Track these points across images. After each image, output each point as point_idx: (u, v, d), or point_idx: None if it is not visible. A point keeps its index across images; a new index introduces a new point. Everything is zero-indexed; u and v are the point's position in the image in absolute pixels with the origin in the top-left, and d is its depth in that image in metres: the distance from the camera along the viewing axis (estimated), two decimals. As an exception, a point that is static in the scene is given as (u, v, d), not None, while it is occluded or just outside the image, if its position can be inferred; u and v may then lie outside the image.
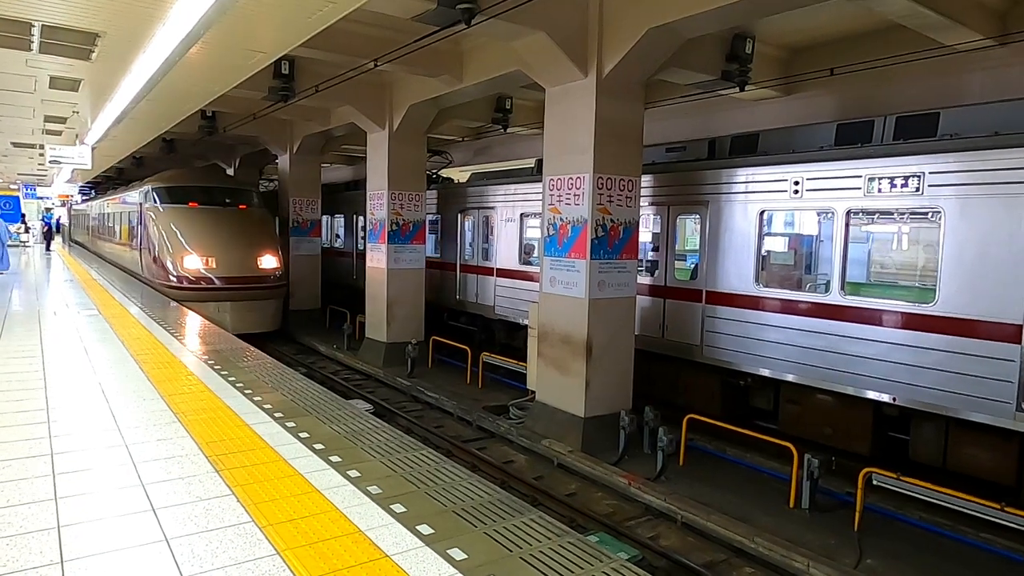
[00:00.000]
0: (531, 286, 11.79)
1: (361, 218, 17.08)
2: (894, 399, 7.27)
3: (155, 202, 16.00)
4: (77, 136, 14.55)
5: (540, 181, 9.36)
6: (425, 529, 3.56)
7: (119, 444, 4.72)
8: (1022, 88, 7.76)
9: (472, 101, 12.46)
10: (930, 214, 7.08)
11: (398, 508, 3.82)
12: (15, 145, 17.74)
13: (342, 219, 20.31)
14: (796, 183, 8.16)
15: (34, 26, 6.81)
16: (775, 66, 9.98)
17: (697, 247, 9.62)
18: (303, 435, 5.07)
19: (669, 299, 9.79)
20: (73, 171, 23.13)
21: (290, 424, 5.34)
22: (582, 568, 3.26)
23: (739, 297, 8.82)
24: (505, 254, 13.10)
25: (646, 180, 9.69)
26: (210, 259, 14.60)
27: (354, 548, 3.34)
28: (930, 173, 6.93)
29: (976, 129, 6.97)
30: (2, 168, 26.64)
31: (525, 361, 10.27)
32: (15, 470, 4.17)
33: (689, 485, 7.52)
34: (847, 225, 7.75)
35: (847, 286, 7.81)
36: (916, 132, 7.50)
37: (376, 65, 9.62)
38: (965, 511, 6.06)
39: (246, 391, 6.34)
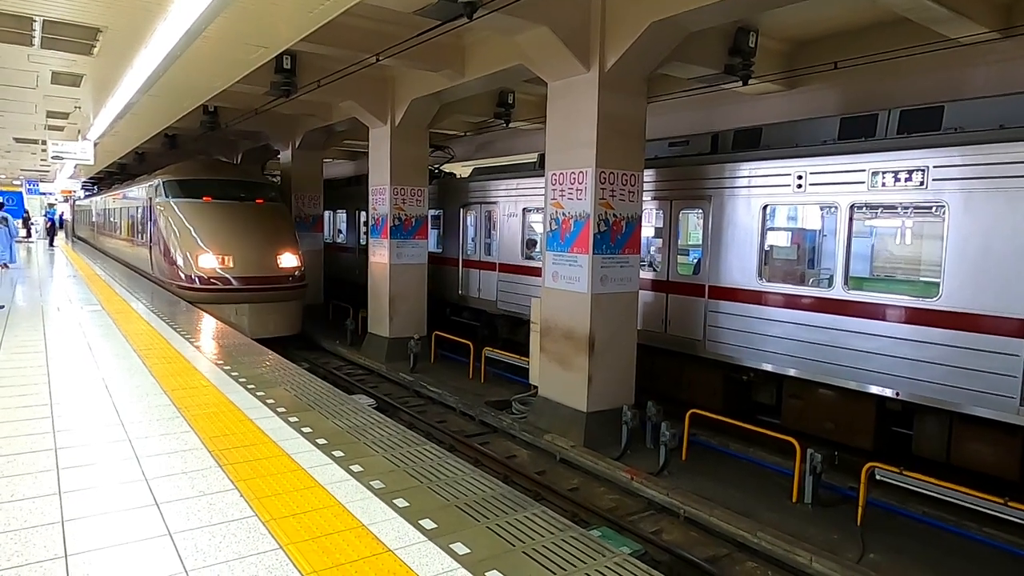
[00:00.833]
0: (534, 281, 11.77)
1: (363, 213, 17.06)
2: (897, 394, 7.25)
3: (166, 196, 14.83)
4: (79, 131, 14.57)
5: (542, 176, 9.34)
6: (428, 524, 3.57)
7: (122, 439, 4.73)
8: (1027, 81, 7.72)
9: (474, 96, 12.43)
10: (934, 208, 7.05)
11: (401, 503, 3.82)
12: (17, 141, 17.76)
13: (344, 214, 20.30)
14: (799, 177, 8.13)
15: (36, 21, 6.81)
16: (778, 60, 9.94)
17: (700, 242, 9.60)
18: (306, 430, 5.08)
19: (672, 294, 9.78)
20: (75, 167, 23.18)
21: (293, 419, 5.34)
22: (585, 563, 3.26)
23: (742, 292, 8.80)
24: (507, 249, 13.09)
25: (648, 175, 9.67)
26: (226, 257, 13.51)
27: (357, 542, 3.34)
28: (934, 167, 6.90)
29: (981, 123, 6.94)
30: (5, 164, 26.68)
31: (527, 356, 10.26)
32: (19, 465, 4.18)
33: (692, 480, 7.52)
34: (850, 219, 7.72)
35: (850, 281, 7.79)
36: (920, 126, 7.46)
37: (378, 60, 9.60)
38: (968, 506, 6.05)
39: (249, 386, 6.35)
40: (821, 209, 8.50)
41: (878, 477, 6.52)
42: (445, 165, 17.46)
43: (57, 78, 9.46)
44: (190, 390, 6.10)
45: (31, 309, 10.62)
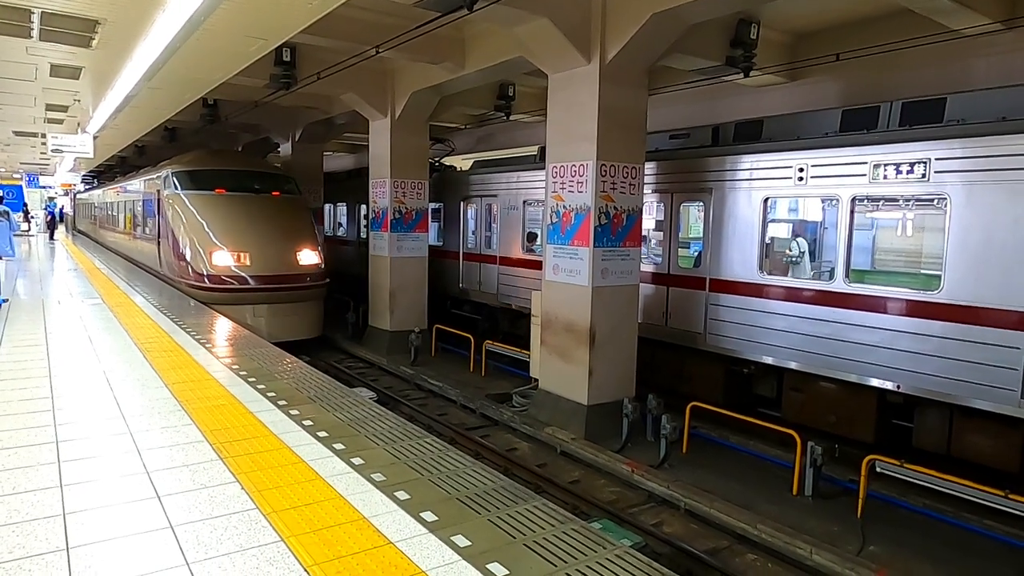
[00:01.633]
0: (534, 274, 11.76)
1: (363, 206, 17.03)
2: (898, 387, 7.25)
3: (176, 188, 13.81)
4: (79, 124, 14.53)
5: (543, 169, 9.32)
6: (429, 516, 3.57)
7: (124, 432, 4.73)
8: (1030, 73, 7.69)
9: (474, 88, 12.39)
10: (936, 201, 7.03)
11: (402, 495, 3.83)
12: (17, 134, 17.73)
13: (344, 207, 20.28)
14: (801, 170, 8.11)
15: (34, 13, 6.78)
16: (780, 51, 9.89)
17: (700, 235, 9.58)
18: (307, 423, 5.09)
19: (672, 287, 9.77)
20: (75, 160, 23.12)
21: (294, 412, 5.35)
22: (585, 555, 3.26)
23: (743, 285, 8.79)
24: (508, 242, 13.08)
25: (649, 167, 9.64)
26: (242, 254, 12.53)
27: (358, 535, 3.35)
28: (936, 159, 6.88)
29: (983, 115, 6.90)
30: (4, 157, 26.65)
31: (528, 349, 10.27)
32: (20, 457, 4.19)
33: (692, 472, 7.53)
34: (852, 212, 7.70)
35: (851, 273, 7.77)
36: (922, 118, 7.43)
37: (378, 52, 9.56)
38: (969, 498, 6.06)
39: (250, 379, 6.36)
40: (822, 202, 8.48)
41: (879, 469, 6.53)
42: (445, 158, 17.42)
43: (56, 71, 9.43)
44: (191, 383, 6.10)
45: (32, 303, 10.62)
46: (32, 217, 35.45)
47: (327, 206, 19.98)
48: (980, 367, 6.56)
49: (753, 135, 9.26)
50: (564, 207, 8.71)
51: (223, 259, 12.50)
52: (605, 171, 8.35)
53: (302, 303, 13.02)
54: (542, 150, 11.13)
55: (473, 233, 14.33)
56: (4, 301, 10.16)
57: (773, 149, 8.49)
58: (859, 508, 6.47)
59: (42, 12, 6.74)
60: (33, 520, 3.37)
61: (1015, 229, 6.34)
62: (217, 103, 14.86)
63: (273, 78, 10.96)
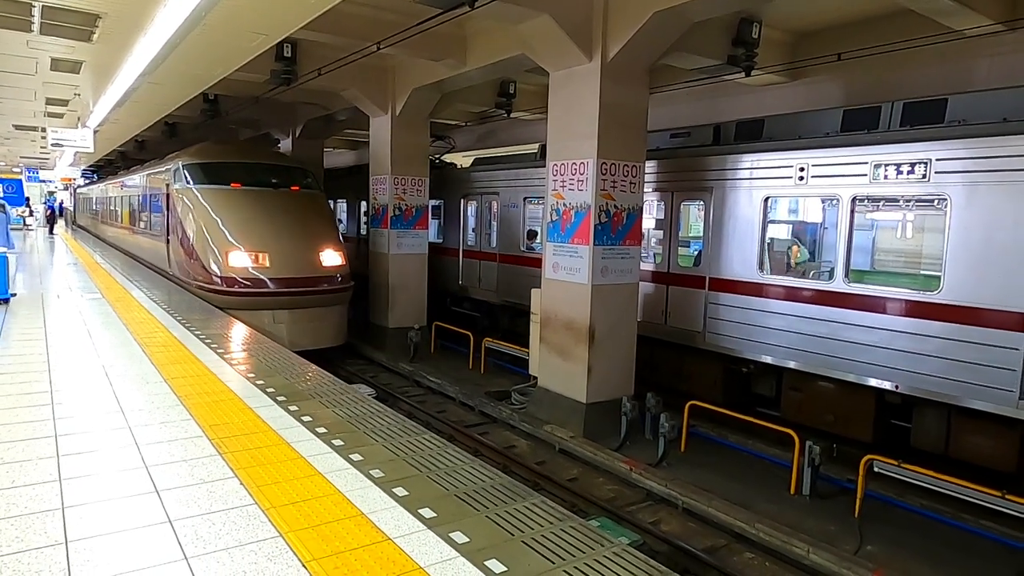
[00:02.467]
0: (534, 272, 11.76)
1: (364, 203, 17.01)
2: (897, 387, 7.26)
3: (187, 182, 12.71)
4: (79, 119, 14.53)
5: (543, 166, 9.31)
6: (427, 512, 3.58)
7: (123, 427, 4.73)
8: (1031, 74, 7.68)
9: (475, 85, 12.37)
10: (936, 201, 7.03)
11: (400, 492, 3.83)
12: (17, 128, 17.73)
13: (344, 204, 20.26)
14: (801, 169, 8.10)
15: (35, 7, 6.78)
16: (782, 51, 9.89)
17: (700, 234, 9.58)
18: (306, 419, 5.09)
19: (672, 285, 9.77)
20: (75, 154, 23.11)
21: (293, 408, 5.35)
22: (583, 552, 3.27)
23: (742, 284, 8.79)
24: (508, 240, 13.08)
25: (650, 166, 9.64)
26: (261, 255, 11.46)
27: (356, 531, 3.35)
28: (937, 160, 6.87)
29: (984, 115, 6.90)
30: (5, 151, 26.63)
31: (527, 347, 10.27)
32: (20, 451, 4.19)
33: (690, 471, 7.54)
34: (852, 212, 7.70)
35: (851, 273, 7.77)
36: (923, 118, 7.42)
37: (379, 48, 9.54)
38: (966, 498, 6.06)
39: (249, 375, 6.36)
40: (823, 201, 8.48)
41: (876, 469, 6.53)
42: (446, 155, 17.42)
43: (56, 64, 9.43)
44: (190, 378, 6.10)
45: (31, 297, 10.61)
46: (34, 212, 35.46)
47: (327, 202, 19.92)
48: (979, 368, 6.57)
49: (754, 134, 9.25)
50: (564, 205, 8.71)
51: (240, 260, 11.45)
52: (605, 169, 8.35)
53: (326, 308, 11.94)
54: (543, 148, 11.13)
55: (473, 230, 14.32)
56: (13, 295, 10.15)
57: (774, 148, 8.49)
58: (857, 508, 6.48)
59: (43, 6, 6.74)
60: (32, 514, 3.37)
61: (1015, 230, 6.34)
62: (218, 98, 14.83)
63: (274, 74, 10.94)
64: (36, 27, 7.41)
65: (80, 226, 37.29)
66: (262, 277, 11.39)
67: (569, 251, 8.68)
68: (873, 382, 7.46)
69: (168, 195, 13.64)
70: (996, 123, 6.64)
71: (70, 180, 39.24)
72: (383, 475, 4.07)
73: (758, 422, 7.75)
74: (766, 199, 8.55)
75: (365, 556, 3.11)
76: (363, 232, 16.93)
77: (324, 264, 12.00)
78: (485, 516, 3.59)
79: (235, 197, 12.37)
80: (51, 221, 32.13)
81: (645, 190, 9.07)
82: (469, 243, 14.44)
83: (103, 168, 33.31)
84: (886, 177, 7.31)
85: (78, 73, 9.97)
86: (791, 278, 8.45)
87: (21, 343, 7.27)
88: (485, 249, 13.89)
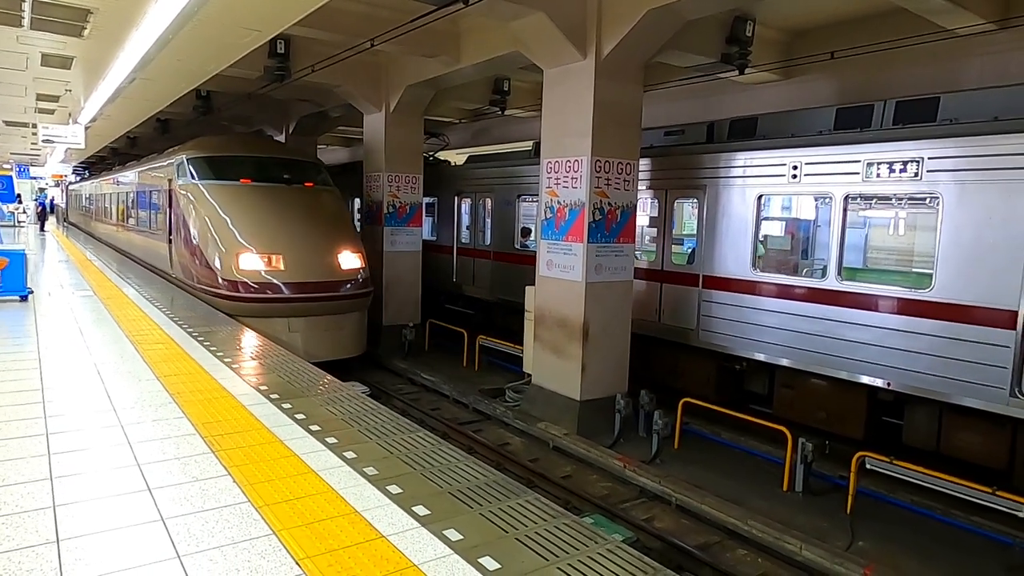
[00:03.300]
0: (528, 269, 11.76)
1: (357, 200, 16.96)
2: (889, 384, 7.30)
3: (192, 178, 11.81)
4: (70, 115, 14.42)
5: (537, 164, 9.30)
6: (421, 510, 3.58)
7: (115, 424, 4.71)
8: (1023, 73, 7.71)
9: (470, 82, 12.36)
10: (928, 199, 7.06)
11: (394, 489, 3.83)
12: (7, 124, 17.59)
13: None
14: (794, 168, 8.13)
15: (25, 1, 6.71)
16: (775, 49, 9.91)
17: (694, 231, 9.60)
18: (299, 416, 5.07)
19: (666, 283, 9.79)
20: (66, 150, 22.94)
21: (286, 405, 5.34)
22: (577, 549, 3.27)
23: (736, 282, 8.82)
24: (502, 237, 13.07)
25: (644, 164, 9.65)
26: (275, 257, 10.55)
27: (350, 528, 3.35)
28: (929, 158, 6.91)
29: (976, 114, 6.94)
30: (-5, 147, 26.41)
31: (522, 344, 10.27)
32: (10, 450, 4.16)
33: (684, 468, 7.57)
34: (845, 210, 7.73)
35: (844, 271, 7.81)
36: (916, 117, 7.46)
37: (373, 45, 9.51)
38: (957, 495, 6.11)
39: (242, 372, 6.34)
40: (816, 200, 8.50)
41: (868, 466, 6.57)
42: (440, 152, 17.39)
43: (47, 60, 9.35)
44: (183, 376, 6.08)
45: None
46: (25, 210, 35.22)
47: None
48: (970, 365, 6.61)
49: (747, 132, 9.28)
50: (558, 202, 8.71)
51: (252, 262, 10.50)
52: (600, 167, 8.35)
53: (344, 315, 11.09)
54: (537, 145, 11.13)
55: (467, 228, 14.30)
56: (30, 292, 10.09)
57: (767, 147, 8.52)
58: (848, 504, 6.52)
59: (33, 1, 6.67)
60: (23, 512, 3.36)
61: (1006, 228, 6.37)
62: (210, 94, 14.77)
63: (267, 70, 10.88)
64: (26, 22, 7.34)
65: (73, 223, 37.04)
66: (276, 281, 10.48)
67: (563, 249, 8.68)
68: (865, 379, 7.49)
69: (171, 191, 12.76)
70: (987, 122, 6.68)
71: (61, 176, 38.98)
72: (377, 473, 4.06)
73: (751, 419, 7.78)
74: (759, 197, 8.57)
75: (359, 554, 3.11)
76: (357, 229, 16.86)
77: (343, 267, 11.17)
78: (479, 513, 3.59)
79: (245, 194, 11.48)
80: (42, 218, 31.92)
81: (639, 188, 9.08)
82: (463, 241, 14.43)
83: (94, 165, 33.11)
84: (878, 175, 7.34)
85: (69, 69, 9.90)
86: (784, 276, 8.47)
87: (12, 340, 7.22)
88: (479, 246, 13.88)
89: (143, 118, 15.73)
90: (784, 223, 9.40)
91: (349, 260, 11.26)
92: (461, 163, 16.53)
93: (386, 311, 13.38)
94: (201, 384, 5.86)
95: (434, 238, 15.18)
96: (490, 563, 3.08)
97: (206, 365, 6.55)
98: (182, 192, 12.07)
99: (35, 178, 39.69)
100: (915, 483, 6.43)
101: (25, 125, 17.62)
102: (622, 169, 8.59)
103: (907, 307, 7.12)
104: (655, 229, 10.16)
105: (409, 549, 3.16)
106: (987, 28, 7.53)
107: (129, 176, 18.51)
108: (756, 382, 9.02)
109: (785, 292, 8.27)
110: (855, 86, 9.46)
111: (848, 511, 6.48)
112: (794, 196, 8.89)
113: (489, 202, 13.56)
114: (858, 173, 7.51)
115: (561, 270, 8.75)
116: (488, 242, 13.60)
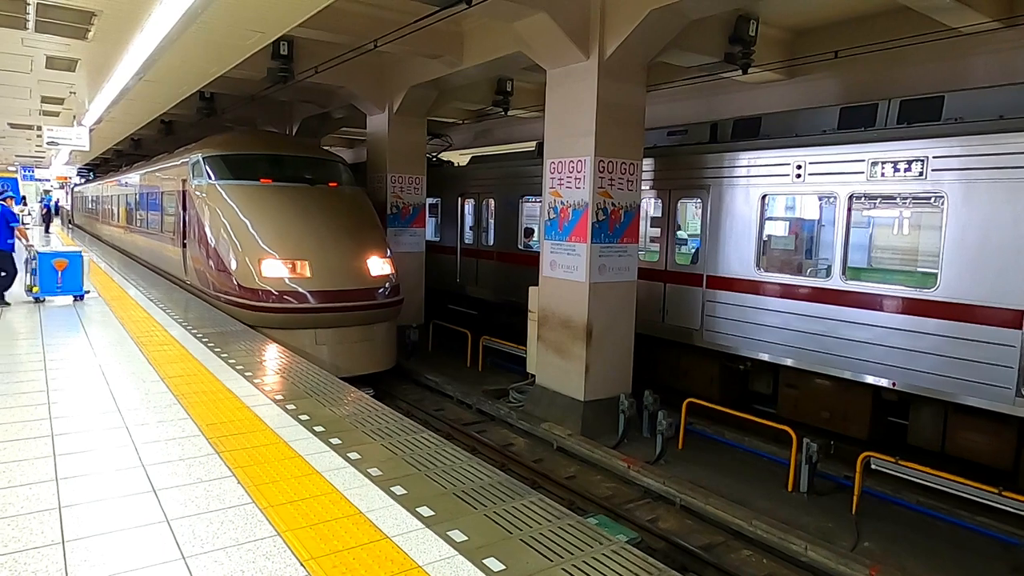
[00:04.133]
0: (532, 270, 11.76)
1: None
2: (893, 384, 7.27)
3: (209, 178, 11.00)
4: (75, 117, 14.46)
5: (541, 164, 9.30)
6: (425, 511, 3.57)
7: (119, 426, 4.72)
8: (1028, 72, 7.69)
9: (473, 83, 12.36)
10: (933, 199, 7.04)
11: (398, 490, 3.83)
12: (12, 126, 17.65)
13: None
14: (798, 167, 8.11)
15: (29, 4, 6.74)
16: (779, 48, 9.88)
17: (698, 231, 9.58)
18: (303, 417, 5.08)
19: (669, 283, 9.77)
20: (71, 153, 23.01)
21: (290, 407, 5.34)
22: (581, 550, 3.27)
23: (739, 282, 8.80)
24: (505, 238, 13.07)
25: (647, 164, 9.64)
26: (300, 264, 9.77)
27: (354, 529, 3.35)
28: (934, 157, 6.88)
29: (981, 113, 6.91)
30: (0, 150, 26.52)
31: (525, 345, 10.27)
32: (16, 451, 4.18)
33: (688, 468, 7.55)
34: (849, 210, 7.71)
35: (848, 271, 7.78)
36: (920, 116, 7.43)
37: (376, 46, 9.52)
38: (962, 495, 6.08)
39: (246, 373, 6.35)
40: (820, 199, 8.48)
41: (873, 466, 6.55)
42: (443, 153, 17.39)
43: (51, 63, 9.38)
44: (187, 377, 6.09)
45: (26, 296, 10.56)
46: (30, 212, 35.38)
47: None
48: (975, 365, 6.58)
49: (751, 132, 9.26)
50: (562, 203, 8.70)
51: (276, 269, 9.69)
52: (603, 167, 8.34)
53: (374, 326, 10.29)
54: (540, 145, 11.13)
55: (471, 228, 14.30)
56: (86, 292, 10.10)
57: (771, 146, 8.50)
58: (854, 505, 6.50)
59: (38, 3, 6.70)
60: (29, 514, 3.37)
61: (1012, 227, 6.35)
62: (214, 96, 14.80)
63: (270, 72, 10.90)
64: (31, 25, 7.37)
65: (78, 225, 37.14)
66: (301, 290, 9.63)
67: (567, 249, 8.68)
68: (870, 379, 7.47)
69: (185, 192, 11.96)
70: (993, 120, 6.65)
71: (65, 179, 39.09)
72: (381, 474, 4.06)
73: (755, 419, 7.76)
74: (763, 197, 8.56)
75: (363, 555, 3.11)
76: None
77: (372, 274, 10.36)
78: (483, 514, 3.59)
79: (267, 195, 10.68)
80: (47, 219, 32.08)
81: (642, 188, 9.07)
82: (467, 241, 14.43)
83: (99, 167, 33.20)
84: (883, 175, 7.32)
85: (73, 71, 9.93)
86: (789, 276, 8.45)
87: (16, 341, 7.24)
88: (482, 247, 13.87)
89: (147, 120, 15.77)
90: (788, 223, 9.38)
91: (378, 266, 10.52)
92: (464, 164, 16.53)
93: (390, 312, 13.35)
94: (205, 385, 5.87)
95: (437, 239, 15.19)
96: (495, 564, 3.08)
97: (210, 366, 6.56)
98: (198, 193, 11.30)
99: (40, 180, 39.83)
100: (920, 483, 6.40)
101: (30, 127, 17.68)
102: (625, 169, 8.58)
103: (912, 307, 7.10)
104: (658, 229, 10.15)
105: (414, 550, 3.16)
106: (992, 26, 7.50)
107: (139, 177, 17.69)
108: (760, 382, 8.99)
109: (789, 292, 8.25)
110: (859, 85, 9.43)
111: (853, 511, 6.46)
112: (798, 196, 8.87)
113: (492, 203, 13.55)
114: (862, 172, 7.49)
115: (565, 270, 8.74)
116: (491, 243, 13.60)
